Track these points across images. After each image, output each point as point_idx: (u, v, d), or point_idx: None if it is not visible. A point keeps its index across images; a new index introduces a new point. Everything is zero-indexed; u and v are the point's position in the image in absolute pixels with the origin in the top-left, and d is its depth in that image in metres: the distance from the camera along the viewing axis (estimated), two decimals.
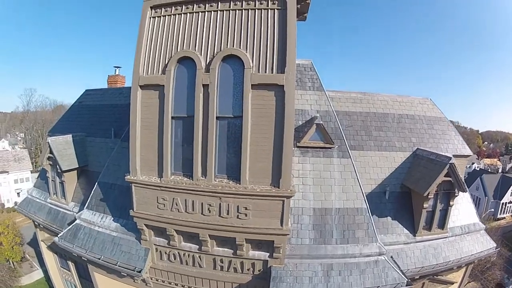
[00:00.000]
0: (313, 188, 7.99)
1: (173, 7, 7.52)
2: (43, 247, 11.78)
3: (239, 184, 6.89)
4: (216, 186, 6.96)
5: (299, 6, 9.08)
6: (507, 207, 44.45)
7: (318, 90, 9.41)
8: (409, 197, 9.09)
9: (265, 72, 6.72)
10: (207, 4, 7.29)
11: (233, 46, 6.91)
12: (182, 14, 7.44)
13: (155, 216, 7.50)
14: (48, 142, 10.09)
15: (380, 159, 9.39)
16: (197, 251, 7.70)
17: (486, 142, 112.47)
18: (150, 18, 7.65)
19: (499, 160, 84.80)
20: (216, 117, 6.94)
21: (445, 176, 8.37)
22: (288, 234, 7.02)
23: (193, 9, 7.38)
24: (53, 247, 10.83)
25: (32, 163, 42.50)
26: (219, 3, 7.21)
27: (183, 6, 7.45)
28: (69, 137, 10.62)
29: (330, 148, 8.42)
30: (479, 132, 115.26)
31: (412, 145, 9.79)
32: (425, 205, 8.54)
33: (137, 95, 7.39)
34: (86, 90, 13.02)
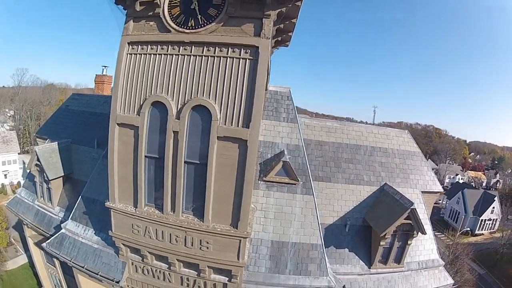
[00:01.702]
0: (274, 222, 9.47)
1: (149, 46, 8.37)
2: (31, 242, 13.85)
3: (203, 222, 8.39)
4: (183, 222, 8.46)
5: (279, 38, 9.88)
6: (486, 224, 47.13)
7: (291, 122, 10.48)
8: (370, 230, 10.52)
9: (231, 125, 7.81)
10: (181, 47, 8.13)
11: (203, 95, 7.93)
12: (157, 55, 8.31)
13: (130, 238, 9.15)
14: (36, 151, 11.57)
15: (346, 191, 10.71)
16: (167, 269, 9.44)
17: (472, 153, 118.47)
18: (127, 54, 8.59)
19: (484, 173, 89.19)
20: (184, 161, 8.24)
21: (405, 219, 9.69)
22: (244, 266, 8.65)
23: (167, 51, 8.23)
24: (39, 245, 12.82)
25: (20, 144, 45.18)
26: (193, 47, 8.05)
27: (159, 46, 8.29)
28: (55, 145, 12.06)
29: (294, 184, 9.74)
30: (467, 142, 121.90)
31: (381, 179, 11.02)
32: (381, 243, 9.96)
33: (114, 131, 8.63)
34: (72, 94, 14.21)
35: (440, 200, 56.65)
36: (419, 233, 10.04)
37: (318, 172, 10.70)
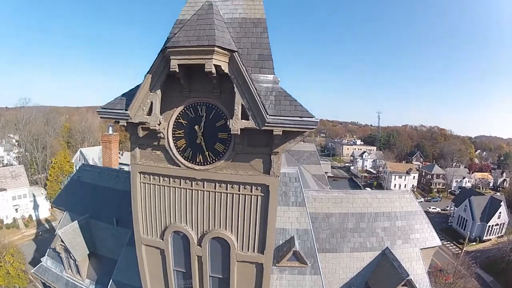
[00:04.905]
0: None
1: (160, 177, 10.27)
2: None
3: None
4: None
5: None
6: (494, 229, 52.92)
7: (300, 206, 12.84)
8: None
9: (248, 251, 10.26)
10: (193, 182, 10.09)
11: (220, 227, 10.22)
12: (171, 187, 10.29)
13: None
14: (59, 235, 14.17)
15: (351, 259, 13.59)
16: None
17: (479, 151, 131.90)
18: (140, 183, 10.56)
19: (490, 174, 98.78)
20: (209, 275, 10.93)
21: (402, 285, 12.74)
22: None
23: (180, 184, 10.13)
24: None
25: (28, 176, 49.29)
26: (205, 182, 10.03)
27: (170, 179, 10.24)
28: (75, 224, 14.59)
29: (304, 267, 12.58)
30: (472, 139, 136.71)
31: (383, 244, 13.78)
32: None
33: (142, 251, 11.15)
34: (82, 164, 16.18)
35: (448, 207, 62.40)
36: None
37: (326, 244, 13.44)
